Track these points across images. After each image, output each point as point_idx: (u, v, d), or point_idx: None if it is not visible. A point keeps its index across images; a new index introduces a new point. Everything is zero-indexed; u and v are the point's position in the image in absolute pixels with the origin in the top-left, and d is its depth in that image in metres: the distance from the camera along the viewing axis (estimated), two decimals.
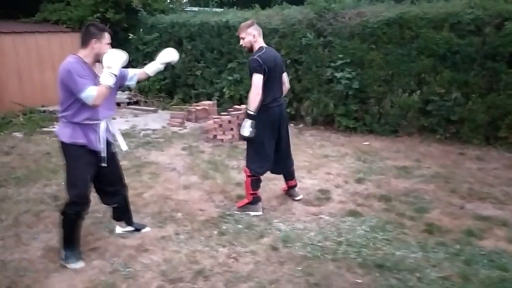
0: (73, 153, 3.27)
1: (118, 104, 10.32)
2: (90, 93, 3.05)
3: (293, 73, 7.90)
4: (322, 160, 5.92)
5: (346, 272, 3.20)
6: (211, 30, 9.13)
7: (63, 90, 3.14)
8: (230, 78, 8.82)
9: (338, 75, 7.15)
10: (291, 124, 8.20)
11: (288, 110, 8.17)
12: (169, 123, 8.31)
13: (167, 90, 10.37)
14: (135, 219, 4.13)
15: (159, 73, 10.36)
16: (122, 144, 3.74)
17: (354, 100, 7.25)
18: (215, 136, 7.03)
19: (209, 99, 9.24)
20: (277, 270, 3.25)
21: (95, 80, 3.17)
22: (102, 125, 3.35)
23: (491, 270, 3.16)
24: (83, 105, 3.14)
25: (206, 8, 11.59)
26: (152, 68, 3.74)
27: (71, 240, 3.38)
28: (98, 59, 3.23)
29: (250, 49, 4.17)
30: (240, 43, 4.26)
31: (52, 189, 4.99)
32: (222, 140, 7.01)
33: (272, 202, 4.52)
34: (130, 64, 11.16)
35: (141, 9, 10.59)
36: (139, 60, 10.46)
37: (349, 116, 7.37)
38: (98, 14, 10.26)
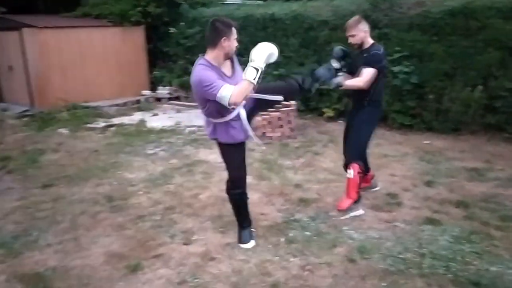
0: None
1: (159, 100, 10.23)
2: (225, 93, 2.90)
3: None
4: (383, 160, 5.56)
5: None
6: (256, 23, 8.83)
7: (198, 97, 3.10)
8: (275, 72, 8.51)
9: (395, 69, 6.72)
10: (341, 121, 7.87)
11: (337, 106, 7.85)
12: None
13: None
14: (194, 222, 3.94)
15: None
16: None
17: (411, 96, 6.83)
18: (263, 133, 6.76)
19: None
20: (359, 285, 2.96)
21: (224, 79, 3.01)
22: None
23: None
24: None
25: (249, 1, 11.26)
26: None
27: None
28: (228, 57, 3.10)
29: (360, 45, 3.95)
30: (349, 41, 3.96)
31: (105, 188, 4.84)
32: (271, 137, 6.73)
33: None
34: (170, 59, 11.08)
35: (182, 2, 10.40)
36: (180, 54, 10.30)
37: (406, 113, 6.95)
38: (139, 8, 10.14)
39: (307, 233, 3.71)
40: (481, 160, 5.42)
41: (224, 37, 2.97)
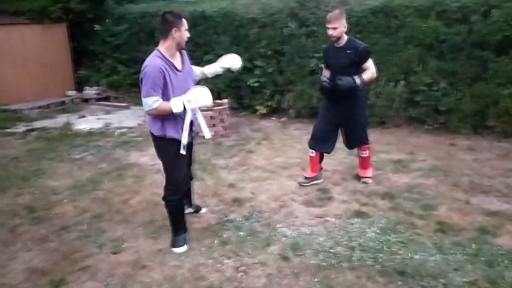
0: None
1: (86, 100, 9.77)
2: (150, 102, 3.08)
3: (275, 64, 7.63)
4: None
5: (367, 282, 2.96)
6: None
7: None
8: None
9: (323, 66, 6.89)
10: (274, 118, 7.97)
11: (270, 103, 7.93)
12: (145, 119, 7.85)
13: (139, 84, 9.79)
14: (125, 229, 3.80)
15: (131, 66, 9.89)
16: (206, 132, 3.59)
17: None
18: (197, 133, 6.64)
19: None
20: (293, 283, 2.98)
21: (175, 73, 3.17)
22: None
23: None
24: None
25: None
26: (211, 69, 3.69)
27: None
28: (180, 48, 3.22)
29: (337, 39, 4.21)
30: (330, 33, 4.17)
31: (26, 199, 4.53)
32: (204, 137, 6.62)
33: (271, 205, 4.24)
34: (97, 58, 10.58)
35: None
36: (108, 53, 9.89)
37: None
38: (60, 4, 9.59)
39: (241, 233, 3.69)
40: (405, 152, 5.70)
41: (174, 28, 3.08)
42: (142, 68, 3.11)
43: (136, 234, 3.72)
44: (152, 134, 3.36)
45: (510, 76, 5.98)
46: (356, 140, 4.62)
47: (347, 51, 4.18)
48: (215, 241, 3.57)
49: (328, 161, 5.43)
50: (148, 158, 5.78)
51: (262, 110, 7.98)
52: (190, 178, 3.76)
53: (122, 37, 9.62)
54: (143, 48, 9.31)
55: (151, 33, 9.24)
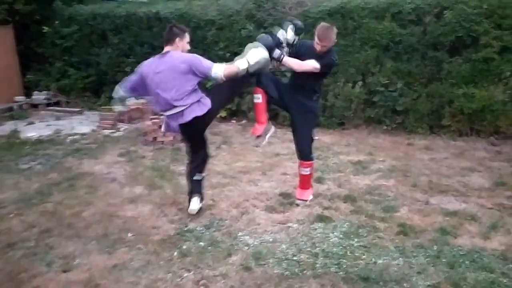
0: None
1: (35, 106, 9.27)
2: (217, 70, 3.52)
3: None
4: (274, 159, 5.62)
5: None
6: (139, 22, 8.40)
7: (185, 76, 3.52)
8: None
9: (282, 67, 6.84)
10: (233, 121, 7.85)
11: (229, 106, 7.79)
12: (99, 125, 7.54)
13: (92, 88, 9.39)
14: (76, 244, 3.56)
15: (83, 69, 9.47)
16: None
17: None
18: (155, 138, 6.45)
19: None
20: None
21: None
22: None
23: (477, 272, 3.03)
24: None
25: None
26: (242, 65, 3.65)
27: None
28: None
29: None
30: (318, 49, 3.78)
31: None
32: (162, 142, 6.44)
33: (232, 212, 4.10)
34: (46, 61, 10.07)
35: None
36: (58, 56, 9.44)
37: None
38: (5, 5, 9.05)
39: (202, 243, 3.54)
40: (364, 153, 5.73)
41: (178, 38, 3.60)
42: (178, 61, 3.51)
43: (88, 249, 3.49)
44: (200, 117, 3.58)
45: (463, 76, 6.15)
46: (298, 152, 4.22)
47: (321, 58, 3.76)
48: (175, 253, 3.40)
49: (290, 164, 5.38)
50: (103, 166, 5.52)
51: (222, 113, 7.83)
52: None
53: (72, 39, 9.19)
54: (95, 51, 8.96)
55: (103, 34, 8.90)
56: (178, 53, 3.57)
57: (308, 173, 4.17)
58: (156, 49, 8.22)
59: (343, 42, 6.69)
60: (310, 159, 4.15)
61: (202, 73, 3.54)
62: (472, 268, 3.08)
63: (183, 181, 4.90)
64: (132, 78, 3.83)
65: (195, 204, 3.94)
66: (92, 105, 9.17)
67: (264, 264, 3.21)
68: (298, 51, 3.94)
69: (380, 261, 3.20)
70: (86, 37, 9.12)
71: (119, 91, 3.91)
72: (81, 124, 7.85)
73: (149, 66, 3.66)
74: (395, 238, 3.53)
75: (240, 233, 3.69)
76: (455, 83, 6.20)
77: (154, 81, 3.60)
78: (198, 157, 4.02)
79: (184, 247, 3.49)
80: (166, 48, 3.61)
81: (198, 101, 3.60)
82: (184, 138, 4.07)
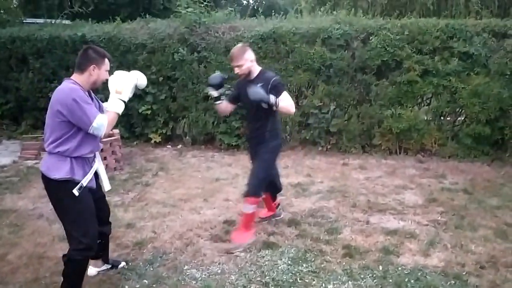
0: (71, 192, 2.74)
1: None
2: (101, 121, 2.68)
3: (167, 91, 7.37)
4: (215, 185, 5.52)
5: None
6: (64, 46, 7.97)
7: (60, 120, 2.69)
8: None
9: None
10: (169, 146, 7.65)
11: (164, 131, 7.61)
12: (21, 156, 6.98)
13: (11, 115, 8.75)
14: None
15: (0, 96, 8.80)
16: (106, 183, 3.16)
17: (235, 116, 7.00)
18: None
19: None
20: None
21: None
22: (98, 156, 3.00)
23: None
24: (87, 136, 2.76)
25: (52, 20, 10.12)
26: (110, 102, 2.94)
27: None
28: (94, 87, 2.86)
29: (248, 75, 3.68)
30: (236, 72, 3.65)
31: None
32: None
33: (176, 244, 3.93)
34: None
35: None
36: None
37: (231, 134, 7.10)
38: None
39: (145, 281, 3.34)
40: (303, 175, 5.81)
41: (93, 65, 2.78)
42: (58, 100, 2.69)
43: None
44: (51, 181, 2.76)
45: (390, 98, 6.50)
46: (246, 187, 3.84)
47: (259, 84, 3.56)
48: None
49: (231, 189, 5.32)
50: (28, 201, 5.09)
51: (156, 138, 7.62)
52: (109, 230, 3.35)
53: None
54: (14, 76, 8.37)
55: (23, 59, 8.34)
56: (64, 88, 2.72)
57: (251, 211, 3.78)
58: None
59: (277, 66, 6.82)
60: (257, 195, 3.78)
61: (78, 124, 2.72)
62: (418, 287, 3.18)
63: (120, 213, 4.68)
64: None
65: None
66: (12, 133, 8.51)
67: None
68: (237, 92, 3.91)
69: (330, 286, 3.21)
70: (4, 62, 8.49)
71: None
72: (0, 155, 7.23)
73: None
74: (342, 261, 3.56)
75: (186, 267, 3.54)
76: (383, 104, 6.54)
77: None
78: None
79: (126, 287, 3.27)
80: (74, 76, 2.80)
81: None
82: None
